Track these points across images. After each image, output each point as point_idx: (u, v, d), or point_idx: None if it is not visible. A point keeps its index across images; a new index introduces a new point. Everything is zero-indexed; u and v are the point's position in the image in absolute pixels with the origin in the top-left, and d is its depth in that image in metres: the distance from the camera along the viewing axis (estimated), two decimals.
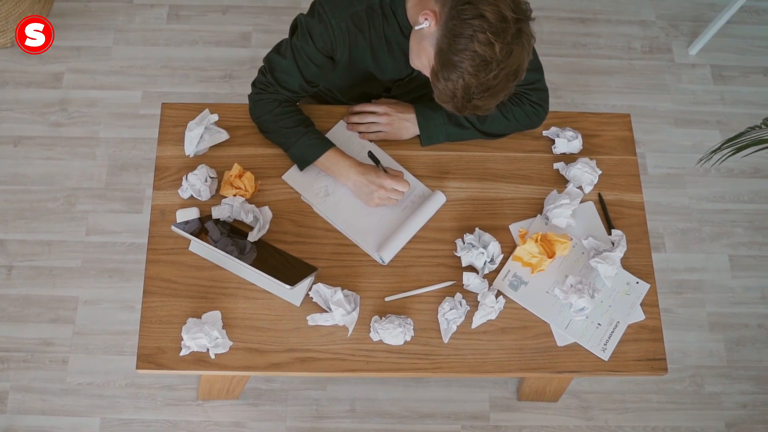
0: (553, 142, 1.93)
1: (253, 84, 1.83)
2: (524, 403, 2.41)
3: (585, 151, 1.93)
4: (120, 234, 2.55)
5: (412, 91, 1.95)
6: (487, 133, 1.89)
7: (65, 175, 2.62)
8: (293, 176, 1.85)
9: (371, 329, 1.70)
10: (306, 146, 1.80)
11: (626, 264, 1.83)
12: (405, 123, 1.88)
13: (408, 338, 1.70)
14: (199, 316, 1.71)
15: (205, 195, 1.80)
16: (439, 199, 1.83)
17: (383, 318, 1.71)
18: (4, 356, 2.38)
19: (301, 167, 1.82)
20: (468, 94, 1.50)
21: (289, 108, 1.82)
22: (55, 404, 2.34)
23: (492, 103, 1.53)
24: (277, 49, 1.78)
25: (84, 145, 2.67)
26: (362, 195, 1.81)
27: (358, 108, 1.90)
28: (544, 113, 1.89)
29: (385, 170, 1.81)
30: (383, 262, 1.77)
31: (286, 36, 2.02)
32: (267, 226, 1.78)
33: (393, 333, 1.67)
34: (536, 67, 1.83)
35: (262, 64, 1.82)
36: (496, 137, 1.91)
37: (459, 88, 1.50)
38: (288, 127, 1.80)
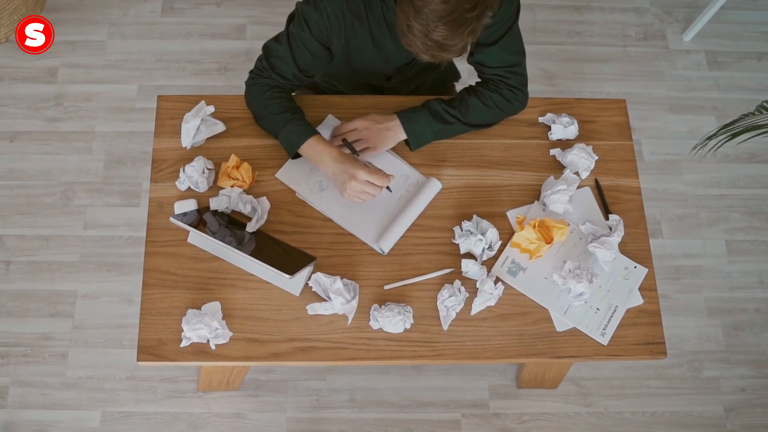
0: (549, 128, 1.94)
1: (250, 71, 1.83)
2: (524, 391, 2.42)
3: (581, 137, 1.93)
4: (118, 228, 2.55)
5: (411, 80, 1.95)
6: (473, 124, 1.87)
7: (62, 170, 2.62)
8: (287, 173, 1.85)
9: (371, 317, 1.71)
10: (291, 132, 1.78)
11: (624, 249, 1.83)
12: (385, 132, 1.84)
13: (408, 326, 1.70)
14: (198, 308, 1.71)
15: (202, 186, 1.80)
16: (434, 187, 1.83)
17: (383, 306, 1.72)
18: (4, 351, 2.38)
19: (289, 154, 1.81)
20: (425, 26, 1.46)
21: (279, 94, 1.81)
22: (55, 398, 2.34)
23: (453, 37, 1.47)
24: (276, 37, 1.79)
25: (80, 139, 2.67)
26: (337, 184, 1.76)
27: (339, 130, 1.87)
28: (525, 97, 1.88)
29: (366, 164, 1.76)
30: (383, 252, 1.78)
31: (282, 27, 2.01)
32: (265, 217, 1.79)
33: (393, 321, 1.68)
34: (519, 51, 1.82)
35: (261, 52, 1.82)
36: (482, 127, 1.89)
37: (416, 23, 1.46)
38: (275, 113, 1.79)
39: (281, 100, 1.80)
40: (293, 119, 1.78)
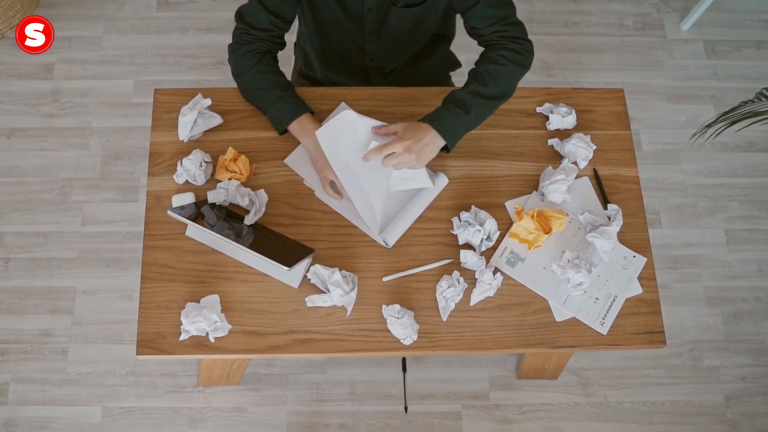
0: (547, 118, 1.93)
1: (229, 44, 1.85)
2: (524, 382, 2.42)
3: (579, 127, 1.93)
4: (116, 223, 2.55)
5: (402, 69, 1.94)
6: (496, 96, 1.77)
7: (59, 166, 2.62)
8: (296, 161, 1.84)
9: (383, 310, 1.69)
10: (280, 110, 1.80)
11: (623, 238, 1.83)
12: (428, 147, 1.73)
13: (410, 342, 1.69)
14: (197, 301, 1.71)
15: (200, 180, 1.80)
16: (441, 181, 1.82)
17: (399, 311, 1.68)
18: (4, 348, 2.38)
19: (278, 131, 1.83)
20: None
21: (268, 67, 1.82)
22: (56, 394, 2.34)
23: None
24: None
25: (77, 135, 2.67)
26: (315, 164, 1.81)
27: (378, 152, 1.70)
28: (530, 46, 1.82)
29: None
30: (387, 245, 1.77)
31: None
32: (263, 209, 1.78)
33: (402, 325, 1.66)
34: (506, 3, 1.80)
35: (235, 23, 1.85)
36: (505, 98, 1.80)
37: None
38: (265, 89, 1.81)
39: (271, 75, 1.82)
40: (283, 96, 1.80)
